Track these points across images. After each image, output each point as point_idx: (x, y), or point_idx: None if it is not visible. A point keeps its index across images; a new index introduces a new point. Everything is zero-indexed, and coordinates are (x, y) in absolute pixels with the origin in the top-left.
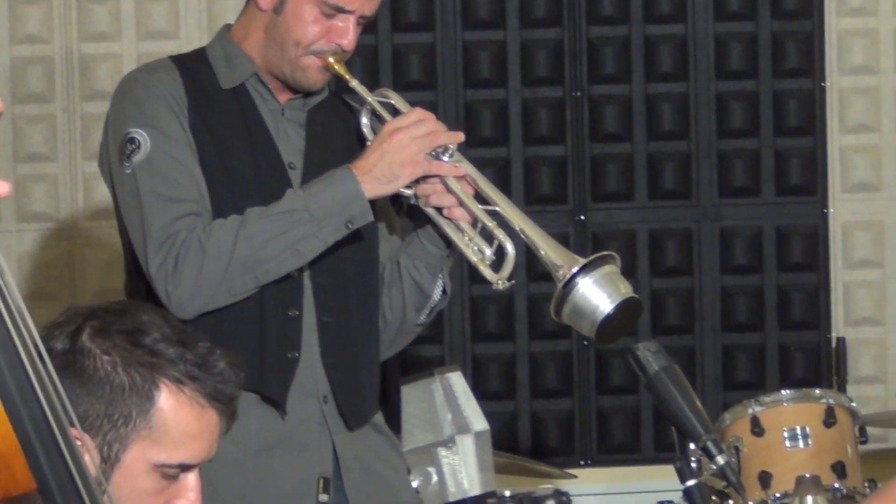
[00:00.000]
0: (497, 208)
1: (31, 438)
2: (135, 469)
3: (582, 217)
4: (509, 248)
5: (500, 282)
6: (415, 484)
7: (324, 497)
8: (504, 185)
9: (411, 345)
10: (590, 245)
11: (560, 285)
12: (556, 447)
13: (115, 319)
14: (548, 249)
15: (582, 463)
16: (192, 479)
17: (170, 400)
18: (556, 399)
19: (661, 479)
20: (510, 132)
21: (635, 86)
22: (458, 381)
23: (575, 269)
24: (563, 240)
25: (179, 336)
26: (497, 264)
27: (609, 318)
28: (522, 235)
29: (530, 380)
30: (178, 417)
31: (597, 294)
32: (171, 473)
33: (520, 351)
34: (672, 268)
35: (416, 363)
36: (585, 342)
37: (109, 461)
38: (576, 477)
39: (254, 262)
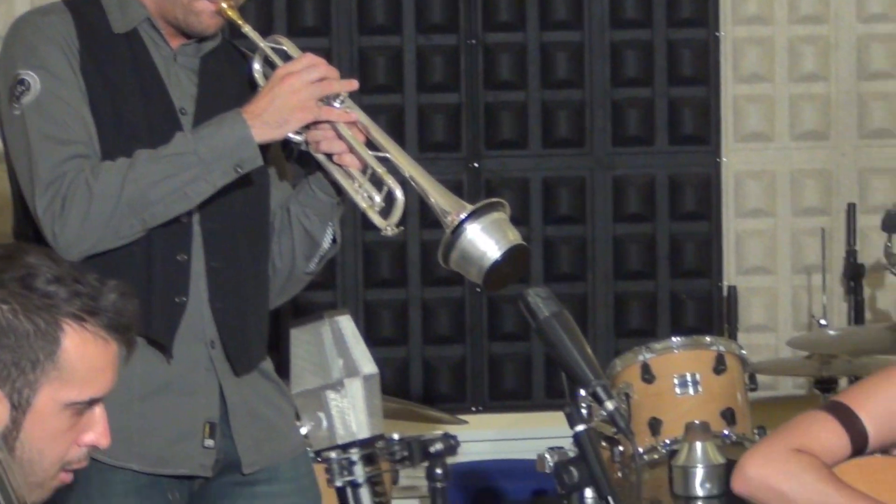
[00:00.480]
0: (387, 155)
1: None
2: (46, 411)
3: (475, 164)
4: (398, 194)
5: (388, 228)
6: (304, 430)
7: (210, 442)
8: (398, 132)
9: (303, 290)
10: (483, 192)
11: (448, 231)
12: (447, 393)
13: (3, 266)
14: (437, 196)
15: (473, 409)
16: (98, 411)
17: (74, 339)
18: (447, 345)
19: (552, 426)
20: (404, 79)
21: (530, 34)
22: (347, 324)
23: (463, 216)
24: (457, 187)
25: (68, 273)
26: (386, 211)
27: (496, 265)
28: (412, 182)
29: (422, 326)
30: (84, 355)
31: (484, 240)
32: (80, 409)
33: (412, 297)
34: (565, 216)
35: (309, 309)
36: (478, 289)
37: (21, 408)
38: (467, 423)
39: (141, 204)
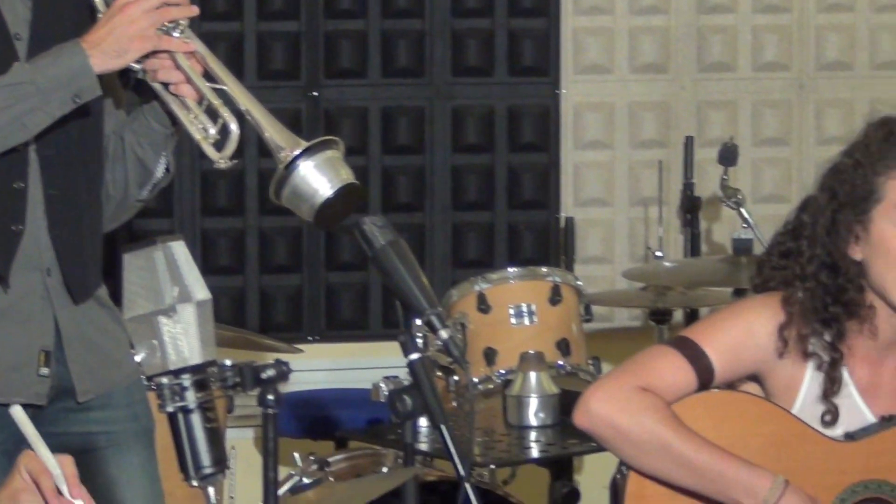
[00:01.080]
0: (224, 87)
1: None
2: None
3: (315, 93)
4: (233, 127)
5: (221, 161)
6: (138, 358)
7: (45, 370)
8: (237, 60)
9: (141, 218)
10: (322, 121)
11: (281, 167)
12: (284, 323)
13: None
14: (272, 131)
15: (310, 338)
16: None
17: None
18: (284, 274)
19: (389, 356)
20: (244, 7)
21: None
22: (180, 249)
23: (297, 152)
24: (296, 116)
25: None
26: (221, 143)
27: (328, 202)
28: (248, 116)
29: (259, 255)
30: None
31: (317, 178)
32: None
33: (249, 226)
34: (404, 145)
35: (146, 236)
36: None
37: None
38: (303, 352)
39: None
